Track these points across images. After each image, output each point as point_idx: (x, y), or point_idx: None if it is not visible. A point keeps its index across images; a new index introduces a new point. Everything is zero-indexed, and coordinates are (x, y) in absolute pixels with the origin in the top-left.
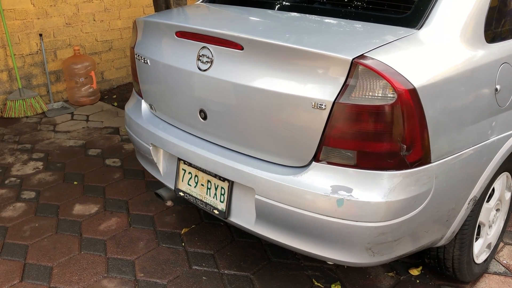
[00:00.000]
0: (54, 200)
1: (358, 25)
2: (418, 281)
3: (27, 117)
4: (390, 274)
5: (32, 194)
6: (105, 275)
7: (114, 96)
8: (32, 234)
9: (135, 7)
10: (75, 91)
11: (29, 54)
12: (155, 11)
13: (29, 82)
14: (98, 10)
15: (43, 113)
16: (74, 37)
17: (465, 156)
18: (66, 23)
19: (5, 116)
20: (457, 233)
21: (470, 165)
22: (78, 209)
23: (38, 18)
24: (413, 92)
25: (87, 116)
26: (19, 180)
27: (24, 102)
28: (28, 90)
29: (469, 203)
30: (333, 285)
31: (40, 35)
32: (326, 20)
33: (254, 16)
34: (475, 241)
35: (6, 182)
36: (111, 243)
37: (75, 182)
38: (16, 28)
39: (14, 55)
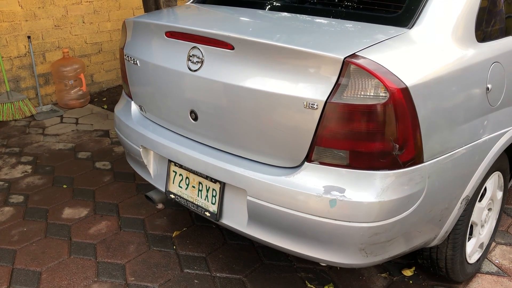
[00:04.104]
0: (43, 204)
1: (349, 24)
2: (411, 281)
3: (15, 120)
4: (383, 275)
5: (21, 198)
6: (95, 279)
7: (104, 99)
8: (20, 238)
9: (125, 9)
10: (64, 94)
11: (17, 57)
12: (145, 13)
13: (17, 85)
14: (87, 12)
15: (32, 116)
16: (63, 39)
17: (458, 155)
18: (55, 25)
19: None
20: (450, 233)
21: (463, 164)
22: (68, 212)
23: (26, 20)
24: (405, 91)
25: (77, 119)
26: (7, 184)
27: (12, 105)
28: (17, 93)
29: (461, 202)
30: (326, 286)
31: (29, 37)
32: (317, 20)
33: (245, 16)
34: (468, 241)
35: None
36: (101, 247)
37: (65, 186)
38: (4, 30)
39: (2, 57)
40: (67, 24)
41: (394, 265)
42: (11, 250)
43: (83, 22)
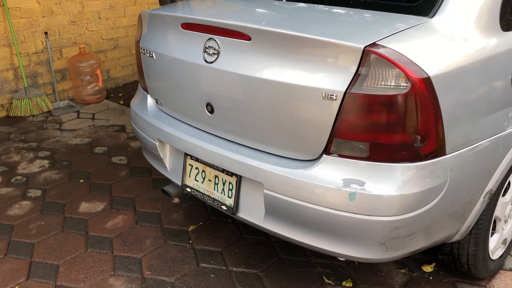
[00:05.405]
0: (60, 198)
1: (368, 14)
2: (431, 278)
3: (33, 115)
4: (402, 270)
5: (38, 192)
6: (112, 273)
7: (120, 94)
8: (38, 232)
9: (141, 4)
10: (81, 89)
11: (35, 53)
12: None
13: (35, 80)
14: (103, 7)
15: (49, 111)
16: (80, 35)
17: (481, 147)
18: (71, 21)
19: (11, 115)
20: (472, 228)
21: (486, 157)
22: (84, 207)
23: (44, 16)
24: (427, 81)
25: (93, 114)
26: (25, 179)
27: (30, 101)
28: (34, 88)
29: (484, 196)
30: (344, 282)
31: (46, 33)
32: (335, 10)
33: (261, 7)
34: (491, 236)
35: (12, 180)
36: (118, 241)
37: (81, 180)
38: (22, 27)
39: (20, 53)
40: (84, 20)
41: (413, 260)
42: (29, 243)
43: (99, 18)
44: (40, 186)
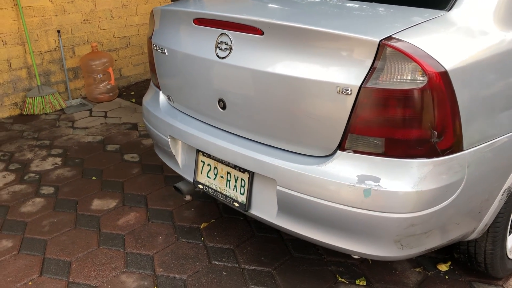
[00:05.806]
0: (72, 195)
1: (383, 8)
2: (447, 277)
3: (46, 114)
4: (417, 269)
5: (51, 190)
6: (124, 270)
7: (132, 93)
8: (51, 229)
9: (152, 3)
10: (93, 87)
11: (48, 51)
12: None
13: (47, 79)
14: (115, 6)
15: (62, 109)
16: (92, 34)
17: (499, 144)
18: (84, 20)
19: (24, 113)
20: (489, 226)
21: (504, 153)
22: (97, 204)
23: (56, 15)
24: (444, 75)
25: (105, 112)
26: (38, 176)
27: (43, 99)
28: (47, 87)
29: (503, 194)
30: (358, 280)
31: (58, 31)
32: (348, 4)
33: (274, 2)
34: (509, 235)
35: (26, 177)
36: (130, 238)
37: (94, 178)
38: (35, 25)
39: (33, 52)
40: (96, 18)
41: (428, 259)
42: (42, 240)
43: (111, 16)
44: (52, 183)
